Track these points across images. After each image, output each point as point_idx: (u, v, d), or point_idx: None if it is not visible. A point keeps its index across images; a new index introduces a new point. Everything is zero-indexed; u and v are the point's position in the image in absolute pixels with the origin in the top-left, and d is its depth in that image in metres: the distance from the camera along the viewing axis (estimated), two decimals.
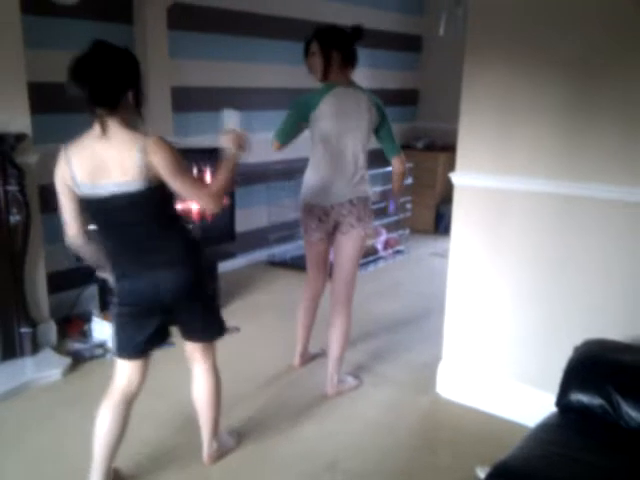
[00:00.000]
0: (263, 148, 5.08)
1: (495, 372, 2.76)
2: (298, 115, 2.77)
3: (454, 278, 2.83)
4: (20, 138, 2.98)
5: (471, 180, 2.68)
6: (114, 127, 1.87)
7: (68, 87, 1.79)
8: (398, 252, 5.35)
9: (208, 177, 3.86)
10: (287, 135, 2.82)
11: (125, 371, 2.10)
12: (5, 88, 2.98)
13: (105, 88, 1.82)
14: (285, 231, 5.13)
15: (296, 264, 4.85)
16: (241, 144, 2.15)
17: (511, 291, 2.66)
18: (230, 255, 4.26)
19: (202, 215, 3.86)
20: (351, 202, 2.75)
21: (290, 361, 3.20)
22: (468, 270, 2.77)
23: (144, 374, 2.14)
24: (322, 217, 2.79)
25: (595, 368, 1.97)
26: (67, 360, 3.15)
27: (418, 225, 5.98)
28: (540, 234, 2.54)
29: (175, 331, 2.20)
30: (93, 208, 1.95)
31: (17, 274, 3.09)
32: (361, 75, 2.94)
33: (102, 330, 3.40)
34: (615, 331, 2.25)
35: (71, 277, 3.67)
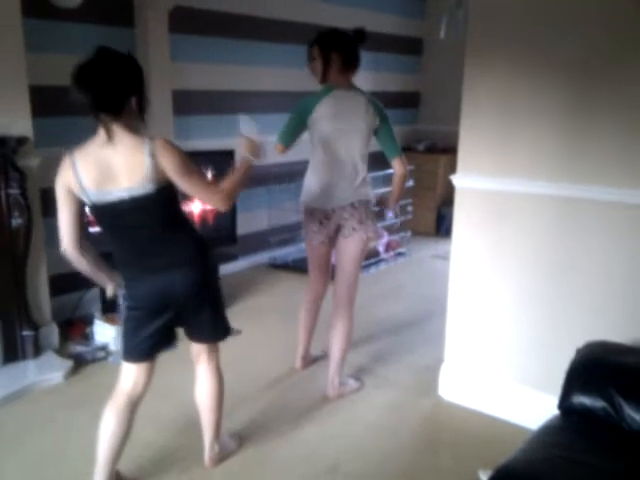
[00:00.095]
0: (264, 151, 5.09)
1: (497, 374, 2.75)
2: (299, 118, 2.77)
3: (456, 280, 2.83)
4: (22, 141, 2.99)
5: (472, 182, 2.68)
6: (119, 132, 1.88)
7: (72, 93, 1.81)
8: (399, 254, 5.35)
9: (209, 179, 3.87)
10: (290, 137, 2.82)
11: (131, 374, 2.10)
12: (7, 91, 2.98)
13: (109, 94, 1.83)
14: (286, 234, 5.14)
15: (298, 266, 4.85)
16: (255, 151, 2.19)
17: (512, 293, 2.66)
18: (232, 258, 4.27)
19: (203, 218, 3.87)
20: (352, 205, 2.75)
21: (292, 363, 3.20)
22: (469, 272, 2.77)
23: (150, 377, 2.14)
24: (323, 220, 2.79)
25: (597, 370, 1.96)
26: (69, 363, 3.15)
27: (419, 227, 5.98)
28: (541, 236, 2.54)
29: (179, 333, 2.21)
30: (100, 213, 1.96)
31: (19, 277, 3.10)
32: (362, 78, 2.94)
33: (104, 333, 3.41)
34: (616, 333, 2.25)
35: (73, 280, 3.66)
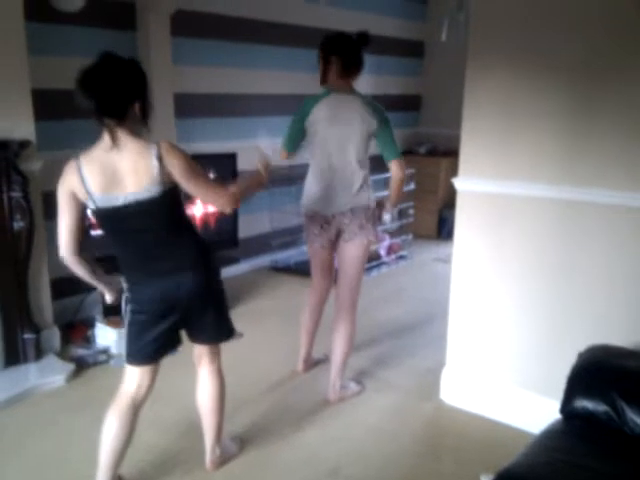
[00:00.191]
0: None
1: (499, 378, 2.75)
2: (299, 120, 2.78)
3: (457, 284, 2.83)
4: (24, 145, 2.99)
5: (473, 185, 2.68)
6: (123, 137, 1.89)
7: (77, 98, 1.82)
8: (401, 257, 5.34)
9: None
10: (292, 142, 2.82)
11: (134, 377, 2.11)
12: (9, 95, 2.99)
13: (113, 99, 1.85)
14: (288, 237, 5.14)
15: (299, 269, 4.85)
16: (267, 173, 2.24)
17: (514, 297, 2.65)
18: (233, 261, 4.27)
19: (205, 221, 3.88)
20: (352, 211, 2.73)
21: (293, 366, 3.20)
22: (471, 276, 2.77)
23: (153, 380, 2.15)
24: (324, 225, 2.79)
25: (599, 374, 1.96)
26: (70, 366, 3.15)
27: (421, 230, 5.98)
28: (542, 239, 2.54)
29: (182, 336, 2.21)
30: (104, 218, 1.97)
31: (21, 280, 3.10)
32: (364, 81, 2.94)
33: (106, 336, 3.41)
34: (618, 337, 2.25)
35: (75, 283, 3.66)
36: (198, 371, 2.27)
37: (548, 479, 1.61)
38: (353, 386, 3.02)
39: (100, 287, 2.16)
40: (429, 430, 2.74)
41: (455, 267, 2.82)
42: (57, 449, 2.53)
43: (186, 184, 1.95)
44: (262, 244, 5.05)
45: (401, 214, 5.55)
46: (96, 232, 3.11)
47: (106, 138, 1.89)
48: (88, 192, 1.89)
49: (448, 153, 6.06)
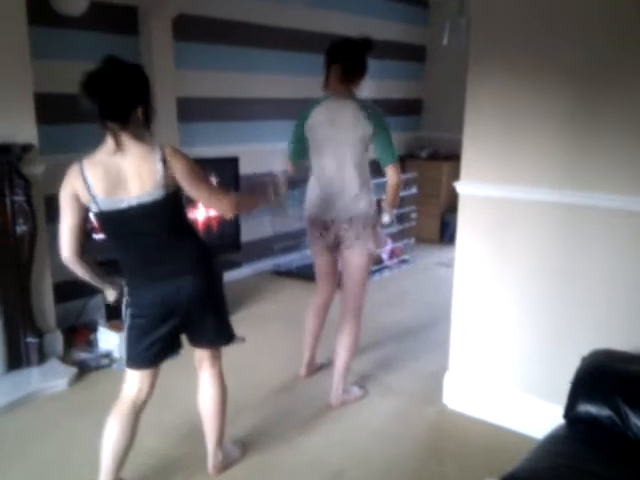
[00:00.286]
0: (269, 158, 5.11)
1: (502, 383, 2.74)
2: (299, 127, 2.79)
3: (460, 288, 2.82)
4: (26, 148, 3.00)
5: (475, 189, 2.68)
6: (127, 141, 1.91)
7: (80, 101, 1.83)
8: (403, 261, 5.34)
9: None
10: (295, 151, 2.84)
11: (135, 381, 2.11)
12: (12, 99, 3.00)
13: (116, 103, 1.86)
14: (290, 241, 5.14)
15: (302, 274, 4.85)
16: (277, 191, 2.28)
17: (516, 301, 2.65)
18: (235, 265, 4.26)
19: (208, 225, 3.88)
20: (350, 219, 2.71)
21: (295, 370, 3.20)
22: (473, 280, 2.76)
23: (153, 384, 2.15)
24: (322, 231, 2.80)
25: (603, 379, 1.95)
26: (73, 370, 3.15)
27: (423, 234, 5.98)
28: (544, 243, 2.54)
29: (183, 341, 2.21)
30: (107, 221, 1.97)
31: (23, 284, 3.10)
32: (366, 85, 2.94)
33: (108, 340, 3.41)
34: (621, 341, 2.24)
35: (77, 287, 3.67)
36: (199, 375, 2.27)
37: None
38: (356, 390, 3.01)
39: (101, 287, 2.16)
40: (432, 434, 2.73)
41: (457, 271, 2.81)
42: (59, 453, 2.52)
43: (189, 188, 1.97)
44: (264, 248, 5.05)
45: (403, 218, 5.55)
46: (98, 236, 3.13)
47: (109, 142, 1.90)
48: (91, 195, 1.89)
49: (450, 157, 6.06)
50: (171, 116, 4.11)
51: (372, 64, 2.78)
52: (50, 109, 3.36)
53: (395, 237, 5.36)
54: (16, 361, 3.13)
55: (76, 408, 2.86)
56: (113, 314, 3.38)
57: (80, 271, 2.05)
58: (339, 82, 2.69)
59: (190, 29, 4.23)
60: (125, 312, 2.07)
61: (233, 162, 4.03)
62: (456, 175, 2.80)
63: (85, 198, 1.91)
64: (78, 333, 3.56)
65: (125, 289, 2.07)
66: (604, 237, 2.39)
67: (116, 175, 1.89)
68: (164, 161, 1.90)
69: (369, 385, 3.11)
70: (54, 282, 3.34)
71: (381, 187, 2.88)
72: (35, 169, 3.10)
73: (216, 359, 2.25)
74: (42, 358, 3.19)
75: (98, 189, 1.89)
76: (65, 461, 2.47)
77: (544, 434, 1.89)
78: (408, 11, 6.31)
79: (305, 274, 4.78)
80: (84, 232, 2.00)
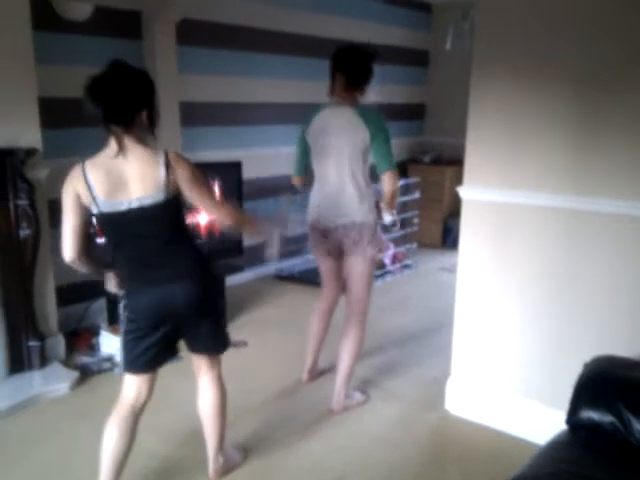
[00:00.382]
0: (272, 163, 5.13)
1: (504, 389, 2.73)
2: (302, 134, 2.81)
3: (462, 293, 2.82)
4: (30, 153, 3.01)
5: (478, 194, 2.67)
6: (130, 144, 1.91)
7: (85, 105, 1.84)
8: (406, 266, 5.33)
9: (216, 190, 3.89)
10: (302, 165, 2.85)
11: (133, 385, 2.11)
12: (16, 103, 3.02)
13: (120, 106, 1.87)
14: (292, 245, 5.14)
15: (304, 278, 4.85)
16: (259, 231, 2.37)
17: (519, 306, 2.64)
18: (238, 269, 4.27)
19: (210, 229, 3.88)
20: (345, 227, 2.71)
21: (297, 375, 3.19)
22: (476, 285, 2.76)
23: (152, 388, 2.15)
24: (322, 237, 2.81)
25: (606, 385, 1.94)
26: (75, 374, 3.16)
27: (425, 239, 5.98)
28: (547, 249, 2.53)
29: (182, 345, 2.21)
30: (107, 223, 1.98)
31: (26, 287, 3.11)
32: (369, 90, 2.95)
33: (110, 344, 3.41)
34: (623, 347, 2.23)
35: (80, 290, 3.68)
36: (198, 380, 2.27)
37: None
38: (358, 396, 3.00)
39: (103, 277, 2.17)
40: (434, 440, 2.72)
41: (460, 276, 2.81)
42: (61, 457, 2.52)
43: (190, 193, 1.98)
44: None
45: (406, 223, 5.55)
46: (101, 240, 3.13)
47: (113, 145, 1.91)
48: (93, 196, 1.90)
49: (453, 162, 6.06)
50: (174, 120, 4.13)
51: (375, 69, 2.78)
52: (54, 113, 3.37)
53: (397, 242, 5.36)
54: (18, 365, 3.13)
55: (78, 412, 2.86)
56: (115, 318, 3.39)
57: (82, 269, 2.07)
58: (343, 90, 2.70)
59: (193, 34, 4.25)
60: (122, 316, 2.07)
61: (236, 166, 4.03)
62: (459, 180, 2.80)
63: (86, 199, 1.92)
64: (80, 337, 3.56)
65: (122, 292, 2.08)
66: (607, 242, 2.39)
67: (117, 177, 1.90)
68: (167, 165, 1.92)
69: (371, 390, 3.11)
70: (56, 286, 3.35)
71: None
72: (39, 173, 3.11)
73: (214, 364, 2.24)
74: (44, 362, 3.19)
75: (99, 190, 1.90)
76: (67, 465, 2.47)
77: (546, 440, 1.88)
78: (411, 16, 6.33)
79: (307, 279, 4.78)
80: (86, 233, 2.01)
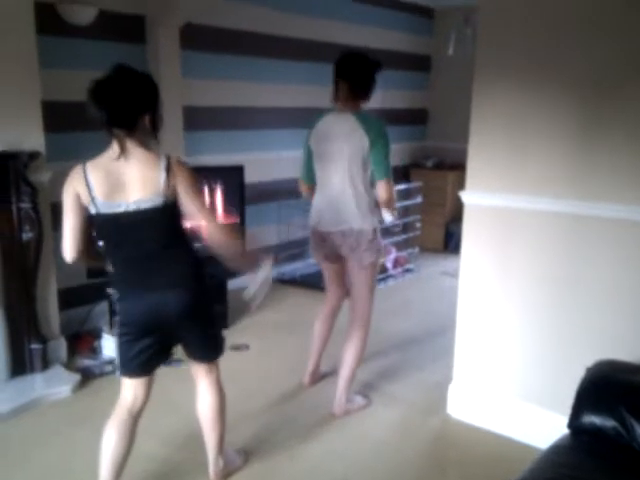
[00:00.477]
0: (274, 167, 5.14)
1: (506, 393, 2.73)
2: (306, 140, 2.82)
3: (464, 298, 2.81)
4: (33, 156, 3.02)
5: (480, 199, 2.68)
6: (132, 147, 1.92)
7: (88, 108, 1.85)
8: (408, 270, 5.33)
9: (219, 194, 3.90)
10: (307, 169, 2.85)
11: (130, 388, 2.11)
12: (20, 107, 3.03)
13: (122, 110, 1.87)
14: (295, 249, 5.14)
15: (306, 282, 4.85)
16: (248, 261, 2.23)
17: (521, 311, 2.64)
18: (240, 273, 4.26)
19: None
20: (343, 233, 2.72)
21: (298, 379, 3.19)
22: (478, 290, 2.76)
23: (148, 391, 2.15)
24: (320, 241, 2.82)
25: (608, 389, 1.94)
26: (77, 377, 3.16)
27: (428, 243, 5.97)
28: (549, 253, 2.53)
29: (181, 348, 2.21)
30: (105, 225, 1.98)
31: (29, 290, 3.11)
32: (372, 96, 2.95)
33: (112, 347, 3.40)
34: (624, 351, 2.23)
35: (82, 294, 3.69)
36: (197, 384, 2.26)
37: None
38: (359, 400, 3.00)
39: (105, 266, 2.17)
40: (435, 444, 2.72)
41: (462, 281, 2.81)
42: (62, 460, 2.52)
43: (187, 198, 1.96)
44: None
45: (408, 227, 5.55)
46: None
47: (115, 147, 1.92)
48: (92, 197, 1.91)
49: (455, 167, 6.06)
50: (177, 124, 4.14)
51: (379, 75, 2.79)
52: (57, 117, 3.38)
53: (399, 246, 5.36)
54: (20, 367, 3.14)
55: (79, 415, 2.86)
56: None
57: (84, 264, 2.09)
58: (347, 98, 2.70)
59: (197, 38, 4.26)
60: (116, 319, 2.08)
61: (238, 170, 4.04)
62: (461, 185, 2.80)
63: (85, 199, 1.93)
64: (82, 340, 3.56)
65: (115, 296, 2.08)
66: (608, 247, 2.39)
67: (117, 179, 1.91)
68: (168, 170, 1.92)
69: (372, 394, 3.10)
70: (59, 289, 3.35)
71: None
72: (42, 176, 3.12)
73: (212, 369, 2.24)
74: (46, 364, 3.19)
75: (98, 191, 1.90)
76: (67, 467, 2.47)
77: (548, 444, 1.88)
78: (413, 21, 6.35)
79: (309, 283, 4.78)
80: (87, 234, 2.01)
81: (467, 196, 2.73)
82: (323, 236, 2.79)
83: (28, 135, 3.05)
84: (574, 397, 1.96)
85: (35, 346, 3.15)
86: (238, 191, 4.01)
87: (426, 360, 3.54)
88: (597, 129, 2.36)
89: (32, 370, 3.16)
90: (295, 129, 4.98)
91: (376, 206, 2.76)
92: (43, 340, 3.19)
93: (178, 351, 2.24)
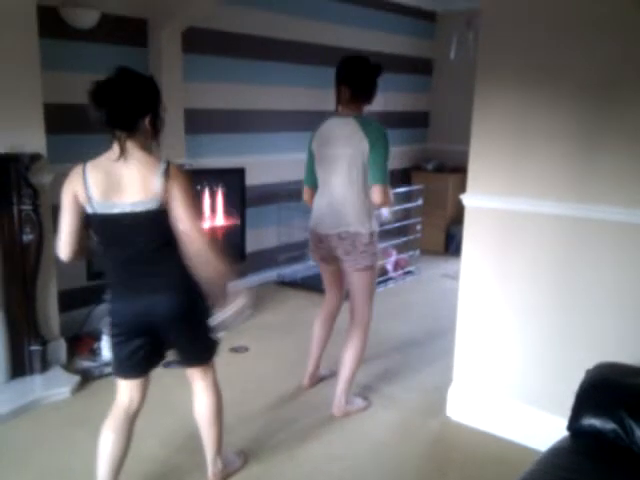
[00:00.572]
0: (275, 169, 5.15)
1: (506, 395, 2.72)
2: (309, 145, 2.84)
3: (465, 300, 2.81)
4: (35, 158, 3.03)
5: (481, 201, 2.68)
6: (132, 149, 1.92)
7: (89, 109, 1.85)
8: (408, 273, 5.33)
9: (220, 197, 3.91)
10: (309, 171, 2.86)
11: (126, 390, 2.12)
12: (22, 109, 3.03)
13: (121, 111, 1.87)
14: (295, 251, 5.15)
15: (306, 284, 4.85)
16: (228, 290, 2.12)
17: (521, 313, 2.64)
18: (240, 275, 4.27)
19: (212, 234, 3.89)
20: (339, 236, 2.72)
21: (298, 381, 3.19)
22: (479, 292, 2.76)
23: (143, 393, 2.15)
24: (319, 242, 2.82)
25: (608, 392, 1.94)
26: (76, 378, 3.16)
27: (428, 246, 5.97)
28: (550, 256, 2.53)
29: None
30: (100, 225, 1.98)
31: (29, 292, 3.12)
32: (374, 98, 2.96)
33: None
34: (625, 354, 2.23)
35: (82, 295, 3.69)
36: (192, 386, 2.26)
37: None
38: (359, 402, 3.00)
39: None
40: (435, 446, 2.71)
41: (463, 283, 2.81)
42: (61, 461, 2.52)
43: (178, 205, 1.92)
44: (269, 259, 5.06)
45: (408, 230, 5.55)
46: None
47: (115, 148, 1.92)
48: (88, 197, 1.92)
49: (456, 169, 6.07)
50: (179, 127, 4.15)
51: (380, 79, 2.79)
52: (59, 119, 3.39)
53: (400, 248, 5.36)
54: (19, 369, 3.14)
55: (79, 416, 2.86)
56: None
57: (77, 260, 2.08)
58: (349, 102, 2.71)
59: (199, 42, 4.27)
60: (107, 322, 2.08)
61: (239, 173, 4.05)
62: (462, 187, 2.80)
63: (82, 198, 1.93)
64: (82, 342, 3.57)
65: (108, 297, 2.08)
66: (609, 250, 2.39)
67: (115, 181, 1.91)
68: (166, 175, 1.90)
69: (372, 396, 3.10)
70: (59, 290, 3.35)
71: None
72: (43, 178, 3.13)
73: (207, 371, 2.22)
74: (45, 366, 3.19)
75: (95, 191, 1.91)
76: (67, 468, 2.47)
77: (547, 447, 1.87)
78: (415, 25, 6.36)
79: (309, 285, 4.78)
80: (83, 234, 2.01)
81: (468, 199, 2.73)
82: (321, 238, 2.80)
83: (30, 137, 3.06)
84: (574, 399, 1.96)
85: (35, 347, 3.15)
86: (239, 193, 4.02)
87: (426, 362, 3.53)
88: (598, 132, 2.36)
89: (32, 371, 3.16)
90: (296, 132, 4.99)
91: (375, 209, 2.77)
92: (43, 342, 3.19)
93: (166, 355, 2.23)
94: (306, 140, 2.90)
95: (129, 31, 3.91)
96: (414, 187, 5.63)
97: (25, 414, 2.86)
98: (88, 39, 3.67)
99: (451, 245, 6.05)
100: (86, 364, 3.36)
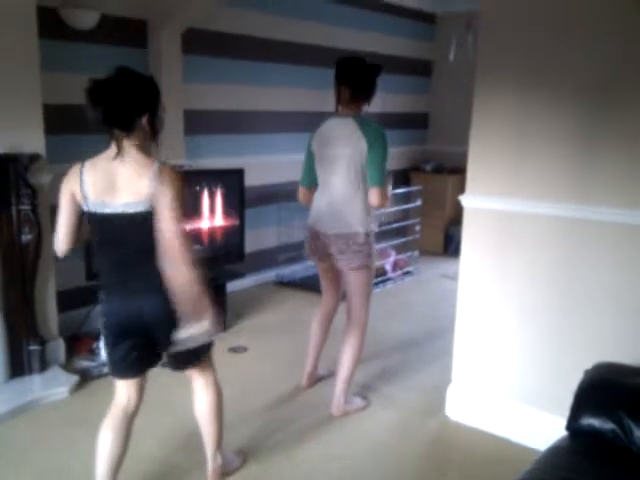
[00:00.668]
0: (274, 170, 5.15)
1: (505, 395, 2.73)
2: (308, 146, 2.84)
3: (464, 300, 2.82)
4: (34, 158, 3.02)
5: (480, 202, 2.68)
6: (129, 149, 1.91)
7: (86, 108, 1.85)
8: (407, 273, 5.33)
9: (219, 197, 3.91)
10: (307, 171, 2.86)
11: (123, 389, 2.11)
12: (21, 109, 3.03)
13: (118, 109, 1.87)
14: (294, 251, 5.15)
15: (305, 284, 4.85)
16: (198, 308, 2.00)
17: (520, 314, 2.64)
18: (239, 275, 4.27)
19: (212, 235, 3.89)
20: (335, 234, 2.72)
21: (297, 381, 3.19)
22: (478, 292, 2.76)
23: (140, 393, 2.14)
24: (315, 241, 2.83)
25: (606, 392, 1.94)
26: (75, 378, 3.16)
27: (427, 246, 5.98)
28: (548, 257, 2.53)
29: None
30: (96, 224, 1.98)
31: (27, 292, 3.12)
32: (373, 99, 2.96)
33: None
34: (623, 355, 2.23)
35: (80, 295, 3.69)
36: (192, 385, 2.25)
37: None
38: (358, 401, 3.00)
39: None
40: (434, 446, 2.71)
41: (462, 284, 2.81)
42: (59, 461, 2.52)
43: (165, 209, 1.88)
44: (268, 259, 5.06)
45: (407, 230, 5.56)
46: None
47: (112, 147, 1.92)
48: (84, 195, 1.92)
49: (455, 170, 6.08)
50: (178, 128, 4.15)
51: (379, 79, 2.80)
52: (59, 120, 3.39)
53: (399, 249, 5.36)
54: (18, 369, 3.13)
55: (77, 416, 2.86)
56: None
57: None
58: (348, 102, 2.72)
59: (198, 43, 4.27)
60: (100, 322, 2.08)
61: (238, 173, 4.05)
62: (461, 188, 2.81)
63: (79, 197, 1.94)
64: (80, 341, 3.56)
65: (101, 297, 2.07)
66: (607, 251, 2.39)
67: (110, 180, 1.91)
68: (158, 178, 1.87)
69: (371, 396, 3.10)
70: (57, 290, 3.35)
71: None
72: (42, 179, 3.13)
73: (204, 368, 2.21)
74: (44, 366, 3.19)
75: (91, 190, 1.91)
76: (65, 469, 2.47)
77: (546, 446, 1.88)
78: (415, 27, 6.37)
79: (308, 285, 4.79)
80: (80, 231, 2.02)
81: (467, 200, 2.73)
82: (318, 235, 2.81)
83: (29, 138, 3.06)
84: (572, 399, 1.96)
85: (33, 347, 3.15)
86: (238, 194, 4.02)
87: (425, 362, 3.54)
88: (597, 133, 2.37)
89: (30, 371, 3.16)
90: (295, 133, 4.99)
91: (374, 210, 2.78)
92: (41, 341, 3.19)
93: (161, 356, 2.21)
94: (305, 141, 2.91)
95: (129, 32, 3.92)
96: (413, 188, 5.63)
97: (24, 414, 2.86)
98: (88, 40, 3.67)
99: (450, 246, 6.06)
100: (85, 364, 3.36)
